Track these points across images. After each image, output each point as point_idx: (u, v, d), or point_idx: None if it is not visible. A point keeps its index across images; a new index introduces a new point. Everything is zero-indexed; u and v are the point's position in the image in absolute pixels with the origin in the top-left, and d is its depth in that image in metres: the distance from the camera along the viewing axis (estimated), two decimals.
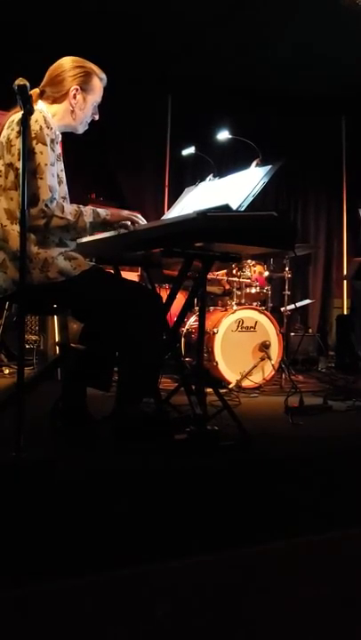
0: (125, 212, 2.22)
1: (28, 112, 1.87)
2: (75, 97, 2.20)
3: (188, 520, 1.53)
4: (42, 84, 2.22)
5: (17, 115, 2.08)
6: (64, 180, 2.21)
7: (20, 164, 2.00)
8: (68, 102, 2.20)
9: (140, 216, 2.24)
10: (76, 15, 4.99)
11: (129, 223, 2.19)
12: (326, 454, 2.32)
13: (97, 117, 2.31)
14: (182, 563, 1.22)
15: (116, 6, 4.91)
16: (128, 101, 6.07)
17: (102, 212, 2.15)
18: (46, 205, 2.00)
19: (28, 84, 1.90)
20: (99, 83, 2.25)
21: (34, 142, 2.01)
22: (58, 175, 2.14)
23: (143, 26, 5.22)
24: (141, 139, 6.31)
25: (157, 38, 5.41)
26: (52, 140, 2.07)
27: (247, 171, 2.43)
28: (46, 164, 2.02)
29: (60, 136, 2.20)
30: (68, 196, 2.23)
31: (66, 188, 2.23)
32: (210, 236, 2.01)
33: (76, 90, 2.19)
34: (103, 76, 2.27)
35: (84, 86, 2.21)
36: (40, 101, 2.18)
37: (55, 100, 2.21)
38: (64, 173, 2.22)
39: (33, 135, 2.01)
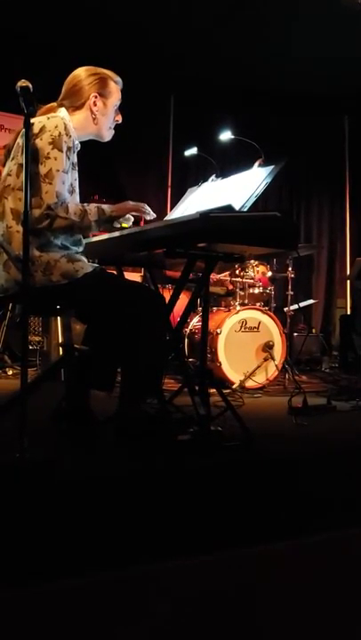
0: (131, 204, 2.21)
1: (30, 114, 1.87)
2: (95, 104, 2.22)
3: (189, 520, 1.53)
4: (60, 98, 2.24)
5: (37, 119, 2.09)
6: (77, 189, 2.21)
7: (32, 166, 2.01)
8: (89, 110, 2.22)
9: (146, 206, 2.24)
10: (79, 17, 5.00)
11: (132, 219, 2.20)
12: (330, 455, 2.32)
13: (120, 120, 2.33)
14: (183, 563, 1.22)
15: (117, 8, 4.92)
16: (130, 102, 6.04)
17: (107, 208, 2.14)
18: (49, 208, 2.00)
19: (30, 85, 1.90)
20: (115, 86, 2.27)
21: (50, 147, 2.02)
22: (71, 184, 2.14)
23: (145, 27, 5.23)
24: (144, 139, 6.31)
25: (159, 39, 5.42)
26: (69, 149, 2.08)
27: (250, 171, 2.43)
28: (58, 170, 2.02)
29: (80, 146, 2.21)
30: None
31: (78, 198, 2.22)
32: (213, 237, 2.01)
33: (95, 97, 2.21)
34: (118, 78, 2.29)
35: (102, 91, 2.23)
36: (63, 109, 2.19)
37: (76, 109, 2.22)
38: (77, 183, 2.23)
39: (50, 140, 2.02)
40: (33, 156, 2.01)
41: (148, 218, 2.26)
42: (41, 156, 2.02)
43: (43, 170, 2.01)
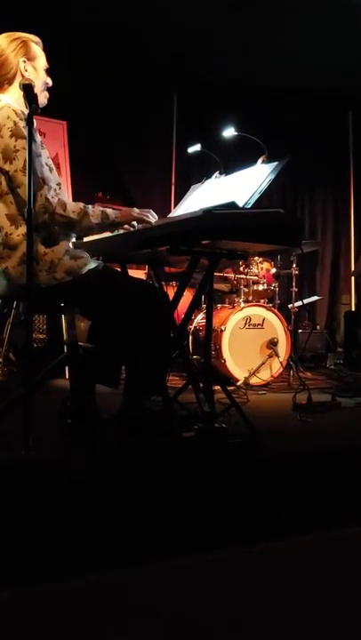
0: (136, 212, 2.18)
1: (33, 111, 1.87)
2: (26, 69, 2.12)
3: (193, 518, 1.53)
4: None
5: None
6: (53, 167, 2.16)
7: (7, 166, 1.99)
8: (22, 77, 2.09)
9: (152, 213, 2.22)
10: (80, 16, 4.99)
11: (136, 224, 2.18)
12: (335, 451, 2.31)
13: (50, 83, 2.22)
14: (185, 562, 1.22)
15: (120, 4, 4.91)
16: (134, 99, 6.07)
17: (111, 213, 2.12)
18: (47, 199, 1.99)
19: (33, 83, 1.90)
20: (37, 47, 2.18)
21: (13, 140, 1.97)
22: (46, 164, 2.10)
23: (148, 24, 5.21)
24: (147, 137, 6.30)
25: (162, 36, 5.40)
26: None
27: (253, 168, 2.42)
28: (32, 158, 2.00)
29: (35, 122, 2.14)
30: (62, 182, 2.20)
31: (57, 174, 2.18)
32: (216, 234, 2.01)
33: (24, 62, 2.12)
34: (37, 39, 2.19)
35: (29, 55, 2.14)
36: (1, 96, 2.11)
37: (9, 82, 2.12)
38: (51, 160, 2.17)
39: (10, 133, 1.98)
40: (3, 157, 1.99)
41: (153, 222, 2.24)
42: (10, 153, 1.98)
43: (19, 164, 1.97)
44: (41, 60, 2.19)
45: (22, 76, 2.10)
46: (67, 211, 2.02)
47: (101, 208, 2.12)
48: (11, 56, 2.11)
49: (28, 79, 1.98)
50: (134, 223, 2.17)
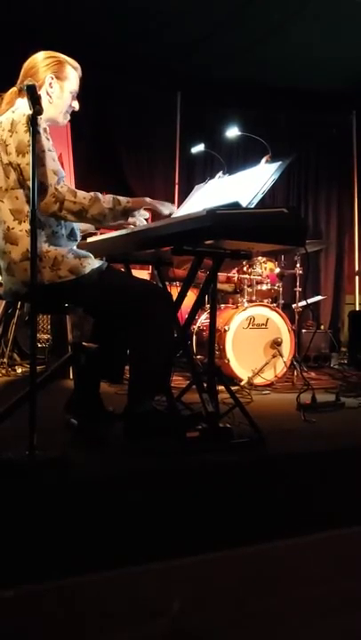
0: (148, 200, 2.19)
1: (37, 112, 1.87)
2: (51, 85, 2.17)
3: (196, 518, 1.53)
4: (18, 81, 2.20)
5: (3, 117, 2.08)
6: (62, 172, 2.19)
7: (20, 159, 2.00)
8: (45, 92, 2.17)
9: (167, 205, 2.23)
10: (82, 12, 4.99)
11: (148, 215, 2.18)
12: (339, 451, 2.31)
13: (77, 108, 2.28)
14: (187, 562, 1.22)
15: (123, 3, 4.91)
16: (137, 99, 6.07)
17: (123, 199, 2.13)
18: (56, 189, 1.99)
19: (37, 83, 1.91)
20: (73, 71, 2.23)
21: (28, 135, 1.98)
22: (55, 159, 2.11)
23: (151, 23, 5.21)
24: (151, 137, 6.31)
25: (166, 35, 5.40)
26: (45, 130, 2.05)
27: (257, 167, 2.42)
28: (43, 151, 2.00)
29: (48, 129, 2.17)
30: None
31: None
32: (220, 234, 2.01)
33: (52, 78, 2.17)
34: (76, 65, 2.25)
35: (59, 74, 2.19)
36: (19, 99, 2.15)
37: None
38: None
39: (25, 129, 2.00)
40: (17, 151, 2.01)
41: (165, 212, 2.24)
42: (24, 147, 2.00)
43: (31, 158, 1.99)
44: (71, 84, 2.23)
45: (47, 92, 2.17)
46: (77, 197, 2.02)
47: (112, 195, 2.12)
48: (42, 70, 2.17)
49: (32, 81, 1.99)
50: (145, 213, 2.17)
